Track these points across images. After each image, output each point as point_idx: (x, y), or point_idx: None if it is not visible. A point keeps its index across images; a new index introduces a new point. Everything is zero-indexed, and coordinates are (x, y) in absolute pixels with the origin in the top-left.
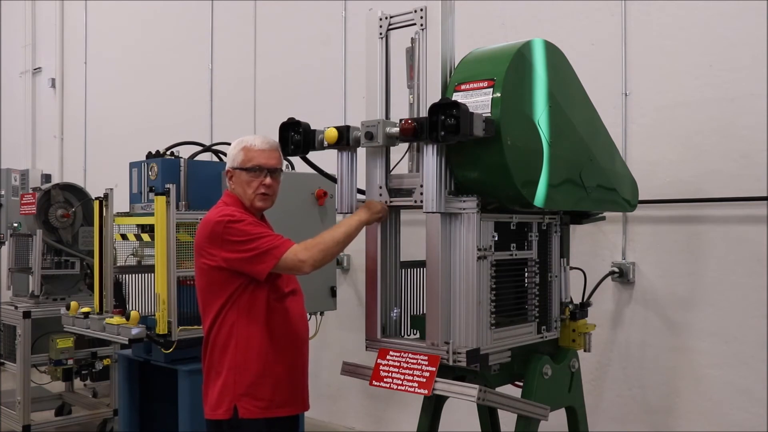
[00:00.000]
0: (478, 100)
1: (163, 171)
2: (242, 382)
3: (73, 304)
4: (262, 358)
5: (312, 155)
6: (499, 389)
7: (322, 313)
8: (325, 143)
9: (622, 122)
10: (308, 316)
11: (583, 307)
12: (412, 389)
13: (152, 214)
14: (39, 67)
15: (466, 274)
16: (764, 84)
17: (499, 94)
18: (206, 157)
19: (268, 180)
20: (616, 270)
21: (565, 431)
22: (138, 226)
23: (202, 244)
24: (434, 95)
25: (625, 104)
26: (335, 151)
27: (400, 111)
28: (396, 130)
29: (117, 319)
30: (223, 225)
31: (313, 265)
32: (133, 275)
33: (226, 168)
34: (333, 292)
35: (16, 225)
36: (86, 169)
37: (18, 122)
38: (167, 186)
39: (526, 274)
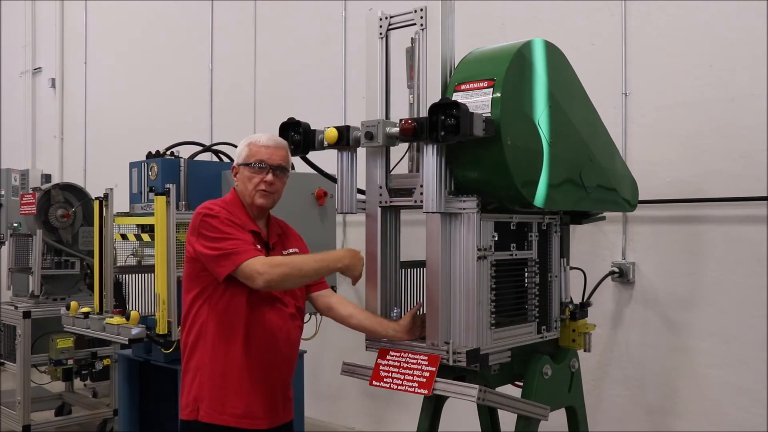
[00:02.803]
0: (478, 100)
1: (163, 171)
2: (205, 384)
3: (73, 304)
4: (227, 365)
5: (312, 155)
6: (499, 389)
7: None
8: (325, 143)
9: (622, 122)
10: (308, 318)
11: (583, 307)
12: (412, 389)
13: (152, 214)
14: (39, 67)
15: (466, 274)
16: (764, 84)
17: (499, 94)
18: (206, 157)
19: (269, 177)
20: (616, 270)
21: (565, 431)
22: (138, 226)
23: (188, 233)
24: (434, 95)
25: (625, 104)
26: (335, 151)
27: (400, 111)
28: (396, 130)
29: (117, 319)
30: (201, 217)
31: (267, 283)
32: (133, 275)
33: (233, 165)
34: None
35: (16, 225)
36: (86, 169)
37: (18, 122)
38: (167, 186)
39: (526, 274)
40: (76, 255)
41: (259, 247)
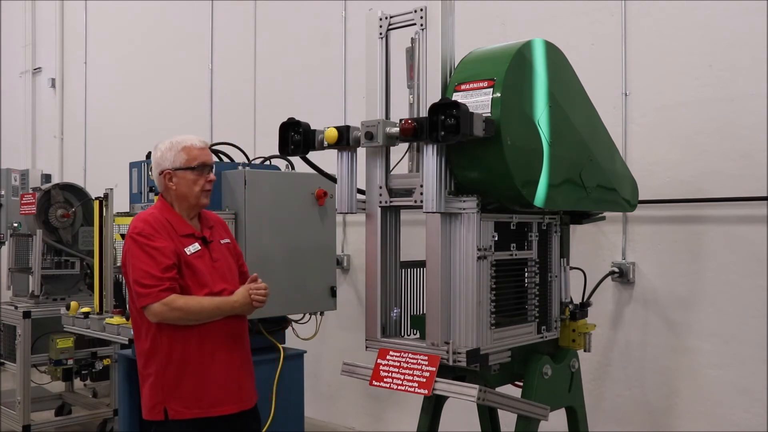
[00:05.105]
0: (478, 100)
1: None
2: (167, 385)
3: (73, 304)
4: (185, 362)
5: (312, 155)
6: (499, 389)
7: (322, 313)
8: (325, 143)
9: (622, 122)
10: (308, 318)
11: (583, 307)
12: (412, 389)
13: None
14: (39, 67)
15: (466, 274)
16: (764, 84)
17: (499, 94)
18: None
19: (211, 176)
20: (616, 270)
21: (565, 431)
22: None
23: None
24: (434, 95)
25: (625, 104)
26: (335, 151)
27: (400, 111)
28: (396, 130)
29: (117, 319)
30: (129, 237)
31: (161, 321)
32: None
33: (163, 170)
34: (333, 292)
35: (16, 225)
36: (86, 169)
37: (18, 122)
38: None
39: (526, 274)
40: (76, 255)
41: (197, 247)
